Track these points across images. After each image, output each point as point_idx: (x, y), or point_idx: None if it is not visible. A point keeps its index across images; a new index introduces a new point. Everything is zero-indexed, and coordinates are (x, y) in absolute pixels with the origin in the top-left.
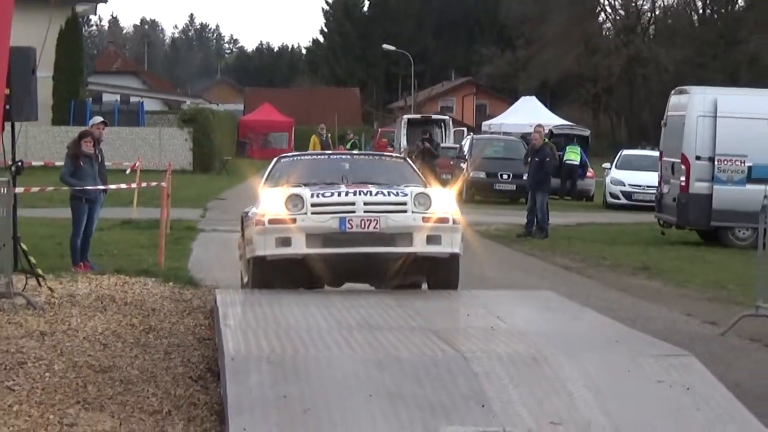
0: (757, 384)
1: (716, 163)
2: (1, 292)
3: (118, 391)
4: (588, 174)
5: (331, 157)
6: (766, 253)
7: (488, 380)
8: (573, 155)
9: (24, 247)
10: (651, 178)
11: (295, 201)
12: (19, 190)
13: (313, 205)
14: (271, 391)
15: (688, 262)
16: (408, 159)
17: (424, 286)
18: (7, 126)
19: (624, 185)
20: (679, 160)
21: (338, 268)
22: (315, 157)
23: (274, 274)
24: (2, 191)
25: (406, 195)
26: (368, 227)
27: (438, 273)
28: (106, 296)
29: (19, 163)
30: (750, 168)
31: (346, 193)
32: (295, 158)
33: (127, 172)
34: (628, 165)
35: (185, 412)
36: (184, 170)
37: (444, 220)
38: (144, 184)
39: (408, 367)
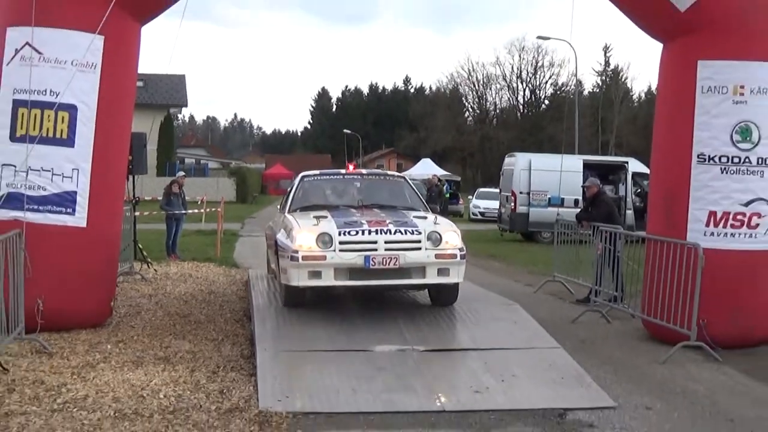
0: (552, 319)
1: (531, 195)
2: (126, 272)
3: (193, 327)
4: (460, 202)
5: (345, 177)
6: (558, 246)
7: (404, 321)
8: (446, 195)
9: (140, 245)
10: (495, 204)
11: (325, 239)
12: (137, 213)
13: (341, 242)
14: (282, 328)
15: (516, 251)
16: (406, 178)
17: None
18: (130, 176)
19: (480, 208)
20: (510, 194)
21: (358, 292)
22: (331, 176)
23: (304, 297)
24: (128, 214)
25: (420, 233)
26: (389, 264)
27: (441, 293)
28: (186, 274)
29: (137, 198)
30: (549, 198)
31: (369, 232)
32: (315, 178)
33: (199, 202)
34: (482, 196)
35: (232, 339)
36: (230, 201)
37: (452, 256)
38: (208, 210)
39: (356, 313)
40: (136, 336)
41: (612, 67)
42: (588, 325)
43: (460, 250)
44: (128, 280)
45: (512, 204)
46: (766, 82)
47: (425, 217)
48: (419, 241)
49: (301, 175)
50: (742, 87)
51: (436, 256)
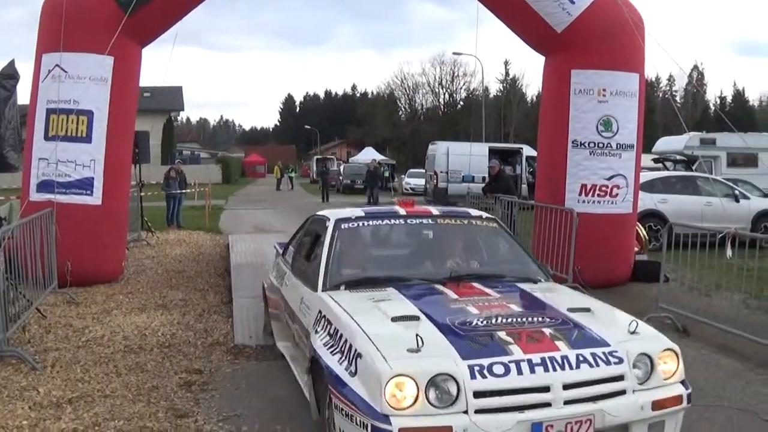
0: None
1: (449, 174)
2: (135, 239)
3: (185, 281)
4: (395, 180)
5: (409, 222)
6: None
7: None
8: (387, 175)
9: (146, 218)
10: (422, 181)
11: (443, 387)
12: (143, 193)
13: (477, 394)
14: (250, 279)
15: None
16: (499, 221)
17: None
18: (137, 165)
19: (411, 184)
20: (433, 173)
21: None
22: (386, 222)
23: None
24: (135, 194)
25: (621, 361)
26: None
27: None
28: (181, 239)
29: (143, 182)
30: (463, 176)
31: (530, 366)
32: (360, 226)
33: (192, 184)
34: (412, 175)
35: (215, 289)
36: (217, 183)
37: (677, 401)
38: (199, 189)
39: None
40: (141, 288)
41: (511, 76)
42: None
43: (684, 384)
44: (136, 245)
45: (435, 181)
46: (621, 86)
47: (587, 309)
48: (622, 377)
49: (334, 219)
50: (604, 90)
51: (655, 404)
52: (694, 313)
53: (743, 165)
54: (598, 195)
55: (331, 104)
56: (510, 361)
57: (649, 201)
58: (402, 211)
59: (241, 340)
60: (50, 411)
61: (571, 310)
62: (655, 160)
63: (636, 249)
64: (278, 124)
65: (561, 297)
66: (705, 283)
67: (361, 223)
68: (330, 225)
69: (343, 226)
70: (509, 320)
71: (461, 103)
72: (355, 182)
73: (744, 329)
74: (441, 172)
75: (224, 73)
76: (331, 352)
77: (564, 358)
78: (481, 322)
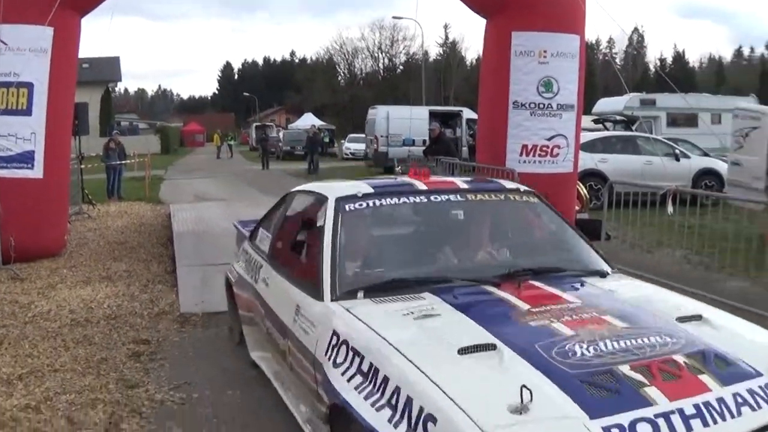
0: None
1: (389, 138)
2: (76, 212)
3: (128, 252)
4: (335, 146)
5: (432, 199)
6: None
7: None
8: (327, 141)
9: (86, 191)
10: (362, 146)
11: None
12: (82, 166)
13: None
14: (193, 248)
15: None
16: (539, 195)
17: None
18: (76, 137)
19: (351, 149)
20: (374, 137)
21: None
22: (403, 200)
23: None
24: (75, 167)
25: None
26: None
27: None
28: (122, 211)
29: (83, 154)
30: (403, 139)
31: (685, 422)
32: (369, 207)
33: (131, 155)
34: (352, 140)
35: (158, 259)
36: (156, 153)
37: None
38: (138, 160)
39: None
40: (85, 261)
41: (450, 40)
42: None
43: None
44: (78, 218)
45: (375, 145)
46: (562, 48)
47: (699, 317)
48: None
49: (334, 198)
50: (545, 51)
51: None
52: (636, 269)
53: (683, 125)
54: (539, 155)
55: (269, 71)
56: (656, 415)
57: (589, 161)
58: (420, 185)
59: (187, 309)
60: (1, 388)
61: (681, 319)
62: (596, 121)
63: (577, 208)
64: (217, 92)
65: (656, 299)
66: (647, 241)
67: (370, 203)
68: (329, 206)
69: (347, 208)
70: (621, 344)
71: (401, 67)
72: (295, 149)
73: (687, 284)
74: (381, 136)
75: (162, 43)
76: (374, 404)
77: (720, 402)
78: (587, 350)
